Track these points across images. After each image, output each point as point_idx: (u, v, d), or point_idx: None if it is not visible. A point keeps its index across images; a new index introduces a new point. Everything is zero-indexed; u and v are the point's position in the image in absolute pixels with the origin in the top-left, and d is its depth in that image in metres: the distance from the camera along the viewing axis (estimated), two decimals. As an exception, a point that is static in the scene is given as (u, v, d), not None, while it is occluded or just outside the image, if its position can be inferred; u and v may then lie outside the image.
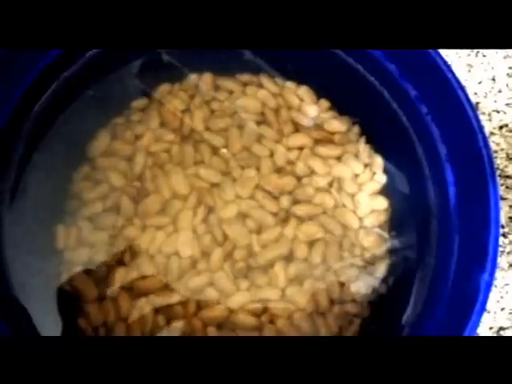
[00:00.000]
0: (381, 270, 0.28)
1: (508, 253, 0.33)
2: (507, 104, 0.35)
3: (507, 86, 0.36)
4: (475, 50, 0.36)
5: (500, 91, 0.36)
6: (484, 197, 0.23)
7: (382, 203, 0.29)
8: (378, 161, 0.29)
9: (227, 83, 0.31)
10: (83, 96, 0.29)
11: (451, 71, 0.25)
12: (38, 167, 0.28)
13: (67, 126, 0.29)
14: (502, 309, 0.32)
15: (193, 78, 0.31)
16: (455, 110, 0.25)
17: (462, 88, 0.25)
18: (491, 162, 0.24)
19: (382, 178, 0.29)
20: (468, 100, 0.25)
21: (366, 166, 0.29)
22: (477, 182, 0.24)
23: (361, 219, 0.29)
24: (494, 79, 0.36)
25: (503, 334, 0.31)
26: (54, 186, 0.29)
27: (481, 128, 0.24)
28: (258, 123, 0.30)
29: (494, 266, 0.22)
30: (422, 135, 0.26)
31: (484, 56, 0.36)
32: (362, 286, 0.28)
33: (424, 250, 0.26)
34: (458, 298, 0.23)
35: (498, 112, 0.35)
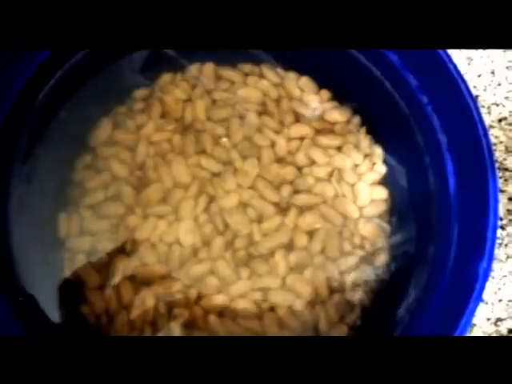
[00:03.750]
0: (380, 258, 0.28)
1: (506, 245, 0.33)
2: (506, 97, 0.35)
3: (506, 79, 0.36)
4: (475, 43, 0.37)
5: (499, 84, 0.36)
6: (483, 186, 0.24)
7: (382, 193, 0.29)
8: (378, 151, 0.30)
9: (228, 73, 0.31)
10: (84, 86, 0.29)
11: (452, 62, 0.25)
12: (41, 157, 0.28)
13: (69, 116, 0.29)
14: (500, 300, 0.32)
15: (194, 67, 0.31)
16: (456, 101, 0.25)
17: (463, 79, 0.25)
18: (490, 152, 0.24)
19: (381, 168, 0.29)
20: (468, 91, 0.25)
21: (366, 156, 0.30)
22: (476, 171, 0.24)
23: (360, 209, 0.29)
24: (493, 72, 0.36)
25: (501, 325, 0.32)
26: (57, 175, 0.29)
27: (481, 118, 0.25)
28: (259, 113, 0.30)
29: (492, 253, 0.23)
30: (423, 125, 0.26)
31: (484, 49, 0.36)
32: (362, 274, 0.28)
33: (423, 238, 0.26)
34: (456, 285, 0.23)
35: (497, 105, 0.35)
